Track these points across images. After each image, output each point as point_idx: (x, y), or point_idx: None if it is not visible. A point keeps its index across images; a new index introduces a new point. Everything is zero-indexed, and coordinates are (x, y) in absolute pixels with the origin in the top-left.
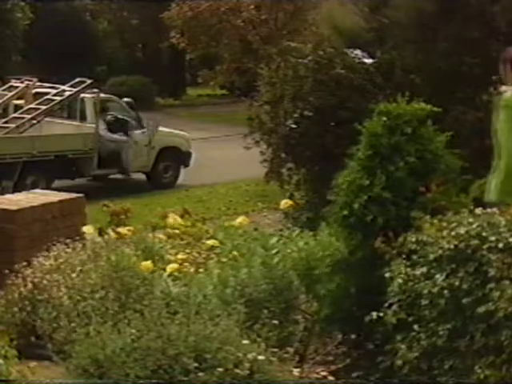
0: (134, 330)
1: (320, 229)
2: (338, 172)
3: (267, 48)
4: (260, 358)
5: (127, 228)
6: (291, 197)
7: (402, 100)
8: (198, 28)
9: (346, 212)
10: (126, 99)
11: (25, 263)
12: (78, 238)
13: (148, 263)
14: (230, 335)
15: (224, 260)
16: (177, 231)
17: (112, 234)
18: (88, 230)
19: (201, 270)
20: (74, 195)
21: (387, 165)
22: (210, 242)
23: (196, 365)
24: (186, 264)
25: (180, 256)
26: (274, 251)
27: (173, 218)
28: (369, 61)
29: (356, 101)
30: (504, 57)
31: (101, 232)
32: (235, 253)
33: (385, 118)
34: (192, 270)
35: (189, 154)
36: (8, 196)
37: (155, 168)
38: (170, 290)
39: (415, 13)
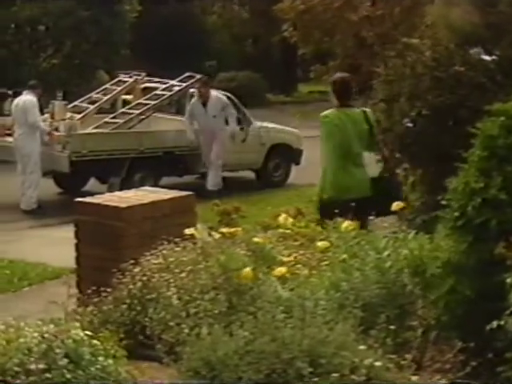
0: (246, 333)
1: (436, 231)
2: (455, 174)
3: (382, 44)
4: (377, 364)
5: (237, 228)
6: (406, 198)
7: None
8: (311, 22)
9: (458, 214)
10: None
11: (133, 261)
12: (187, 237)
13: (248, 270)
14: (346, 340)
15: (336, 263)
16: (289, 231)
17: (222, 233)
18: (197, 229)
19: (313, 272)
20: (184, 193)
21: (504, 166)
22: (323, 244)
23: (311, 369)
24: (299, 266)
25: (293, 257)
26: (385, 254)
27: (285, 218)
28: (487, 58)
29: (476, 99)
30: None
31: (211, 231)
32: (345, 255)
33: (503, 118)
34: (304, 272)
35: (300, 152)
36: (117, 193)
37: (265, 166)
38: (280, 293)
39: None
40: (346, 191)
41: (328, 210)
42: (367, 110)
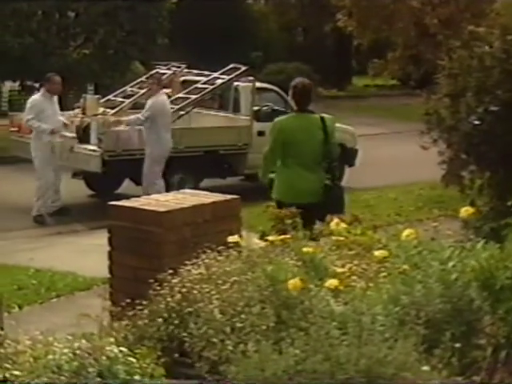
0: (297, 351)
1: (507, 240)
2: None
3: (447, 33)
4: None
5: (288, 235)
6: (473, 203)
7: None
8: (368, 9)
9: None
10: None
11: (171, 271)
12: (231, 244)
13: (296, 280)
14: (407, 360)
15: (395, 274)
16: (343, 239)
17: (269, 241)
18: (243, 236)
19: (370, 284)
20: (228, 196)
21: None
22: (381, 253)
23: None
24: (354, 277)
25: (347, 268)
26: (450, 264)
27: (339, 225)
28: None
29: None
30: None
31: (262, 238)
32: (406, 266)
33: None
34: (360, 284)
35: (355, 152)
36: (155, 196)
37: None
38: (333, 307)
39: None
40: (294, 195)
41: None
42: (327, 116)
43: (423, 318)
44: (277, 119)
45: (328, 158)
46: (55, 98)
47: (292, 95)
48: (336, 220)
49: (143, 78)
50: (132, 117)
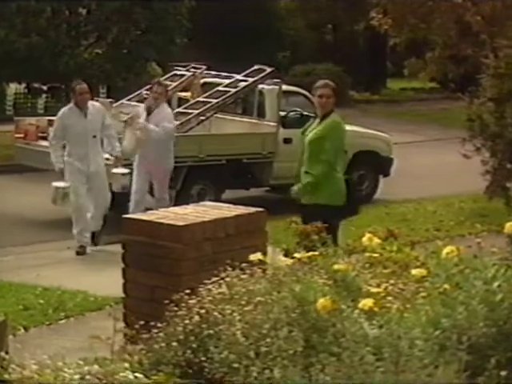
0: (328, 377)
1: None
2: None
3: (492, 31)
4: None
5: (317, 252)
6: None
7: None
8: (405, 6)
9: None
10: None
11: (190, 290)
12: (256, 262)
13: (325, 300)
14: None
15: (435, 295)
16: (377, 256)
17: (297, 258)
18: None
19: (408, 306)
20: (252, 209)
21: None
22: (419, 272)
23: None
24: (390, 298)
25: (382, 288)
26: (495, 284)
27: (370, 239)
28: None
29: None
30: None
31: (287, 255)
32: (447, 286)
33: None
34: (396, 305)
35: (390, 161)
36: (173, 209)
37: None
38: (367, 331)
39: None
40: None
41: None
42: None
43: (466, 342)
44: (334, 119)
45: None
46: (91, 110)
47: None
48: (368, 235)
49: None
50: (156, 128)
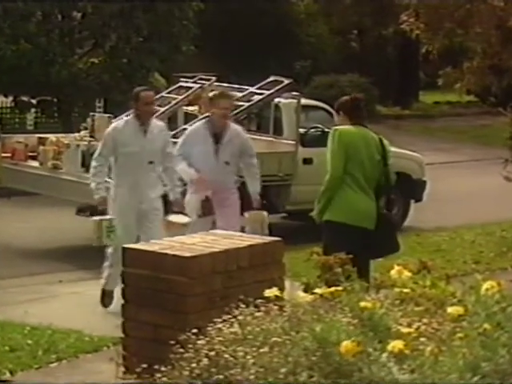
0: None
1: None
2: None
3: None
4: None
5: (340, 287)
6: None
7: None
8: (440, 9)
9: None
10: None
11: (198, 330)
12: (272, 297)
13: (351, 343)
14: None
15: (474, 336)
16: (408, 291)
17: (318, 294)
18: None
19: (443, 348)
20: (268, 238)
21: None
22: (456, 310)
23: None
24: (423, 339)
25: (414, 328)
26: None
27: (403, 274)
28: None
29: None
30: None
31: (307, 291)
32: (487, 326)
33: None
34: (430, 348)
35: (422, 184)
36: (180, 238)
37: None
38: (397, 376)
39: None
40: (355, 217)
41: None
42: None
43: None
44: (334, 128)
45: (384, 185)
46: (153, 128)
47: (341, 109)
48: (397, 267)
49: (164, 93)
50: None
